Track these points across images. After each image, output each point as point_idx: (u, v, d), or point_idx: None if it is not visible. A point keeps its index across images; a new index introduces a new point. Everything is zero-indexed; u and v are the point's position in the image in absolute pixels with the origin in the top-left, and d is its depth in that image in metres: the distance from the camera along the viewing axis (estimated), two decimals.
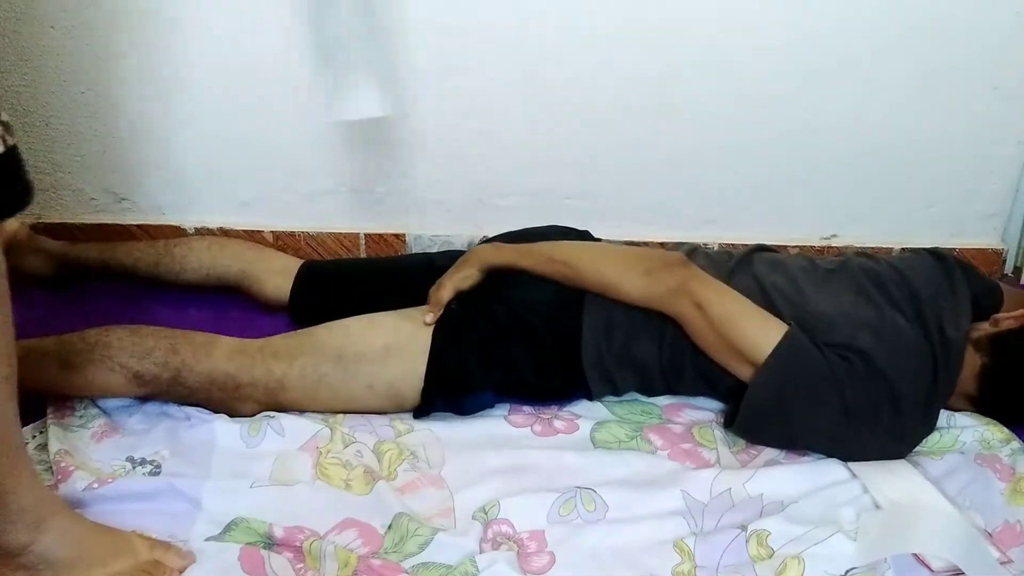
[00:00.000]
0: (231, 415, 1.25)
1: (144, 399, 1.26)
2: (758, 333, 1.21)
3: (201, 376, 1.23)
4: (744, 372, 1.23)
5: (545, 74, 1.59)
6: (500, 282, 1.35)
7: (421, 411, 1.30)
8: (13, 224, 1.47)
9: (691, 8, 1.54)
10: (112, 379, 1.21)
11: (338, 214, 1.72)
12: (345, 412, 1.29)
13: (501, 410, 1.33)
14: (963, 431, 1.31)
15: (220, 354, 1.24)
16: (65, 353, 1.21)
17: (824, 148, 1.68)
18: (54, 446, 1.17)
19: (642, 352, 1.31)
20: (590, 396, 1.35)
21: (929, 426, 1.29)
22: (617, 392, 1.35)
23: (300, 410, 1.28)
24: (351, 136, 1.64)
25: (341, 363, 1.26)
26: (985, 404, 1.32)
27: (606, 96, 1.62)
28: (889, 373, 1.19)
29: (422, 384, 1.28)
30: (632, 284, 1.27)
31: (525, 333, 1.30)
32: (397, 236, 1.74)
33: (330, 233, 1.73)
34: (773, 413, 1.23)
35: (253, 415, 1.25)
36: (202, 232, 1.71)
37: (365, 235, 1.74)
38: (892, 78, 1.62)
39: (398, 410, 1.31)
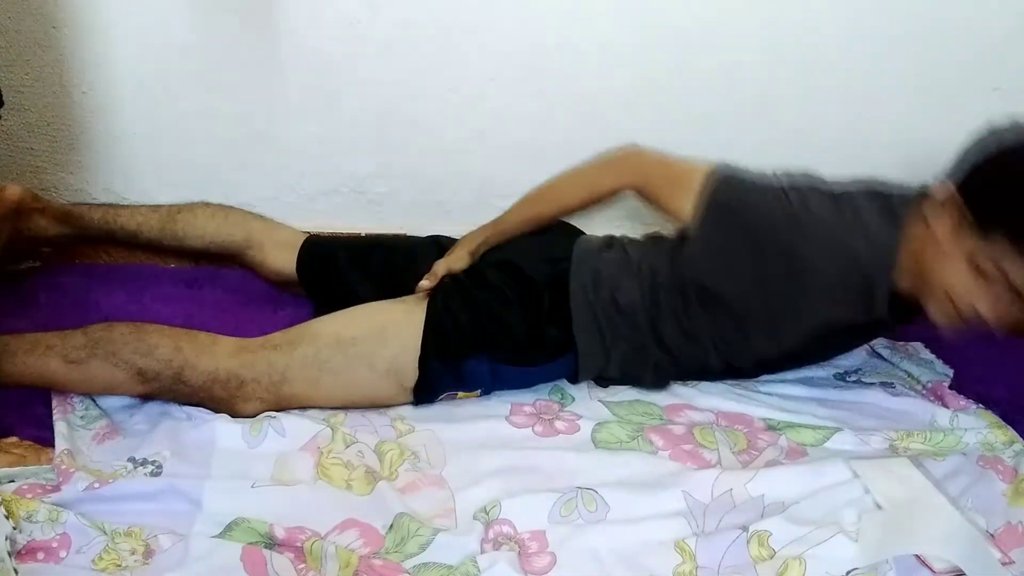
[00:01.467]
0: (233, 415, 1.25)
1: (145, 398, 1.26)
2: (694, 162, 1.32)
3: (204, 374, 1.23)
4: (689, 207, 1.29)
5: (545, 74, 1.59)
6: (488, 253, 1.41)
7: (421, 389, 1.30)
8: (17, 190, 1.46)
9: (691, 8, 1.54)
10: (115, 375, 1.21)
11: (338, 214, 1.72)
12: (348, 400, 1.30)
13: (502, 410, 1.34)
14: (966, 432, 1.31)
15: (222, 352, 1.25)
16: (68, 348, 1.21)
17: (824, 148, 1.68)
18: (60, 445, 1.17)
19: (625, 298, 1.34)
20: (577, 354, 1.35)
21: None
22: (605, 345, 1.34)
23: (303, 404, 1.28)
24: (351, 136, 1.64)
25: (340, 347, 1.27)
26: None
27: (606, 96, 1.62)
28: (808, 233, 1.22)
29: (419, 353, 1.29)
30: (594, 175, 1.38)
31: (517, 290, 1.34)
32: (397, 237, 1.73)
33: (330, 233, 1.72)
34: (731, 209, 1.27)
35: (255, 415, 1.25)
36: None
37: (365, 235, 1.73)
38: (892, 78, 1.62)
39: (400, 390, 1.31)
